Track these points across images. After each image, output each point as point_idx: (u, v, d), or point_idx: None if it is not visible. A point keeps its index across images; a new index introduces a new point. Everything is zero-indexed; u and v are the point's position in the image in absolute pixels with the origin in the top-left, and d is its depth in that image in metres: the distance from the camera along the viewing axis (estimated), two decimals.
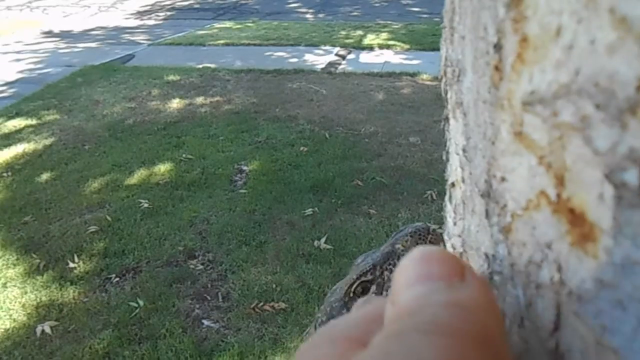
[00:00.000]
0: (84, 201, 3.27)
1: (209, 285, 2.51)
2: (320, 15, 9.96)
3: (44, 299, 2.45)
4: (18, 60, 6.92)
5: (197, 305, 2.39)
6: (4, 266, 2.69)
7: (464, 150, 0.28)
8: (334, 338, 0.20)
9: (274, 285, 2.46)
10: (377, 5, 10.93)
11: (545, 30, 0.18)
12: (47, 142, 4.19)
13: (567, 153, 0.18)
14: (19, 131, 4.44)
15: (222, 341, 2.18)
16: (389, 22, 8.75)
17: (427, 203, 3.09)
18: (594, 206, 0.17)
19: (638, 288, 0.15)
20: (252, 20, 9.36)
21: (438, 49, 0.36)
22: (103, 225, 3.00)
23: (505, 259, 0.23)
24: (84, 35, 8.61)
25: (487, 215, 0.25)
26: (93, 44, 7.88)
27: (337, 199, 3.17)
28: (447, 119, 0.35)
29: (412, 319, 0.17)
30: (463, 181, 0.29)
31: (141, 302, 2.40)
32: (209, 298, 2.43)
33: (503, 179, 0.23)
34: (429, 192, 3.18)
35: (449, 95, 0.32)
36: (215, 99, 5.03)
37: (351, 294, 0.53)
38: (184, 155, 3.81)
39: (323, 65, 6.12)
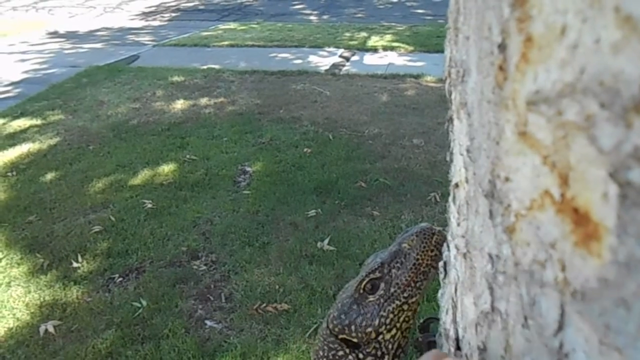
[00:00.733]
0: (88, 201, 3.28)
1: (212, 286, 2.51)
2: (325, 17, 9.97)
3: (47, 298, 2.46)
4: (23, 60, 6.95)
5: (200, 306, 2.39)
6: (8, 265, 2.70)
7: (467, 151, 0.28)
8: None
9: (276, 286, 2.46)
10: (381, 7, 10.94)
11: (550, 30, 0.18)
12: (52, 142, 4.21)
13: (571, 152, 0.18)
14: (24, 131, 4.46)
15: (225, 342, 2.18)
16: (393, 23, 8.75)
17: (431, 205, 3.09)
18: (599, 205, 0.17)
19: None
20: (257, 22, 9.38)
21: (442, 51, 0.36)
22: (107, 225, 3.01)
23: (509, 258, 0.23)
24: (89, 36, 8.65)
25: (491, 215, 0.25)
26: (98, 45, 7.91)
27: (340, 200, 3.17)
28: (451, 119, 0.35)
29: None
30: (467, 181, 0.29)
31: (144, 302, 2.40)
32: (212, 298, 2.43)
33: (507, 179, 0.23)
34: (432, 194, 3.18)
35: (453, 96, 0.32)
36: (220, 100, 5.04)
37: (361, 291, 0.56)
38: (187, 156, 3.82)
39: (327, 67, 6.13)
